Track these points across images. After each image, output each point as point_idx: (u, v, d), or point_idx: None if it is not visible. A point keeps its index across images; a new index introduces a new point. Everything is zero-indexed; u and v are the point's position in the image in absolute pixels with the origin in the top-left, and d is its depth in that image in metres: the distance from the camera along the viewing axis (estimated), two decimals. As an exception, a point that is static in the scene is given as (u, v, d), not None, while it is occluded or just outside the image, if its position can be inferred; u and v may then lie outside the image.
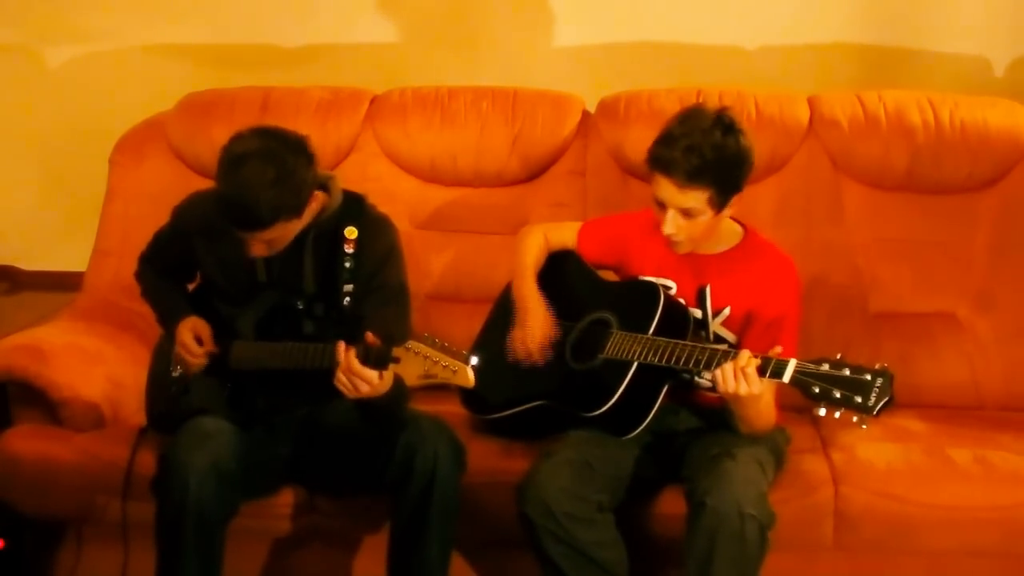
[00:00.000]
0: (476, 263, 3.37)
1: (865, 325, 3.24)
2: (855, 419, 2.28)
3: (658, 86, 3.44)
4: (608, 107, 3.41)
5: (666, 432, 2.73)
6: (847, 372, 2.30)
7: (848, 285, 3.25)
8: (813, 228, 3.26)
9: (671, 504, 2.70)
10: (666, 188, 2.56)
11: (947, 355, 3.21)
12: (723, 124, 2.55)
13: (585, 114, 3.45)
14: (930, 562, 2.83)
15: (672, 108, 3.28)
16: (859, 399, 2.27)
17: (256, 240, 2.56)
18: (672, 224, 2.59)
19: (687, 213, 2.58)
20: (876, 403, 2.26)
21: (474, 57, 4.06)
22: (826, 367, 2.32)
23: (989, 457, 2.84)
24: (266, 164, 2.46)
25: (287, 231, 2.57)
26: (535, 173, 3.41)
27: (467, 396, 2.84)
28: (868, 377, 2.28)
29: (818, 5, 3.91)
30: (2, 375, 2.96)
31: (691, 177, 2.52)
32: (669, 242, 2.66)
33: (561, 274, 2.90)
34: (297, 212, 2.55)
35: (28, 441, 2.95)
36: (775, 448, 2.69)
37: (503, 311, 2.95)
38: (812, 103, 3.34)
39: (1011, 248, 3.24)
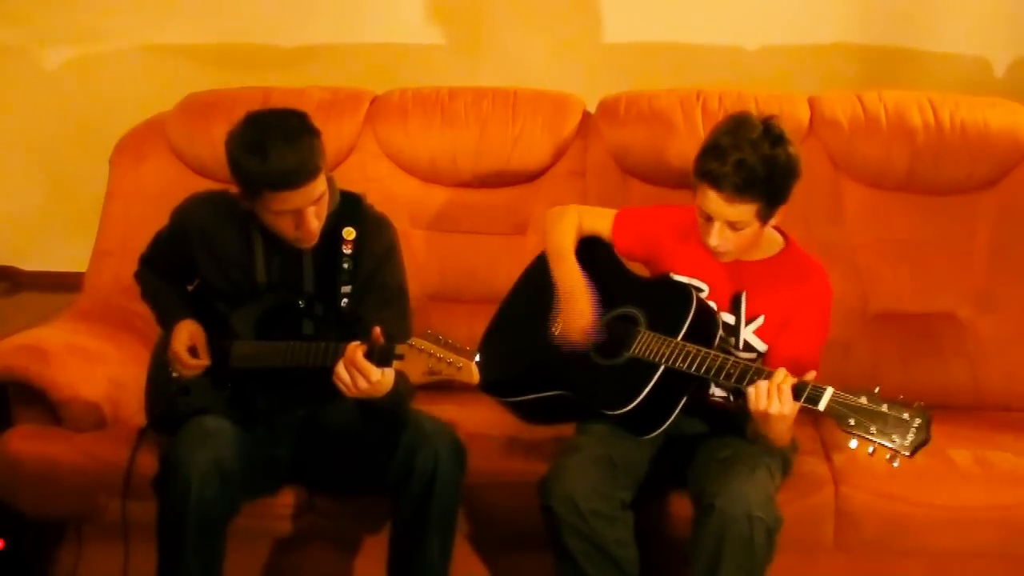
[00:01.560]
0: (477, 264, 3.37)
1: (865, 325, 3.24)
2: (888, 456, 2.26)
3: (658, 86, 3.44)
4: (608, 108, 3.41)
5: (677, 435, 2.71)
6: (885, 408, 2.26)
7: (848, 286, 3.24)
8: (813, 228, 3.25)
9: (679, 505, 2.70)
10: (714, 201, 2.52)
11: (947, 355, 3.21)
12: (772, 135, 2.52)
13: (585, 115, 3.44)
14: (930, 562, 2.83)
15: (672, 109, 3.31)
16: (896, 438, 2.23)
17: (309, 202, 2.54)
18: (718, 237, 2.56)
19: (734, 226, 2.55)
20: (913, 443, 2.23)
21: (474, 58, 4.06)
22: (864, 400, 2.28)
23: (989, 457, 2.84)
24: (283, 122, 2.52)
25: (325, 188, 2.57)
26: (535, 174, 3.41)
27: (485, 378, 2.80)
28: (906, 416, 2.25)
29: (818, 5, 3.91)
30: (3, 375, 2.96)
31: (741, 191, 2.49)
32: (713, 253, 2.63)
33: (590, 262, 2.84)
34: (324, 160, 2.56)
35: (29, 441, 2.96)
36: (783, 455, 2.68)
37: (530, 289, 2.91)
38: (812, 103, 3.35)
39: (1011, 248, 3.24)
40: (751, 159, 2.48)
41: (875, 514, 2.75)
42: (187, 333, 2.76)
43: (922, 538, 2.77)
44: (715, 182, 2.50)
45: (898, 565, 2.85)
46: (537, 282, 2.89)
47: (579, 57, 4.03)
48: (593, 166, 3.39)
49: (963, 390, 3.19)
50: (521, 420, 2.88)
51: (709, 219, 2.56)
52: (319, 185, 2.54)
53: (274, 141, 2.47)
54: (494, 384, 2.76)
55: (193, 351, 2.74)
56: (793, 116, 3.29)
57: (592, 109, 3.46)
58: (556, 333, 2.77)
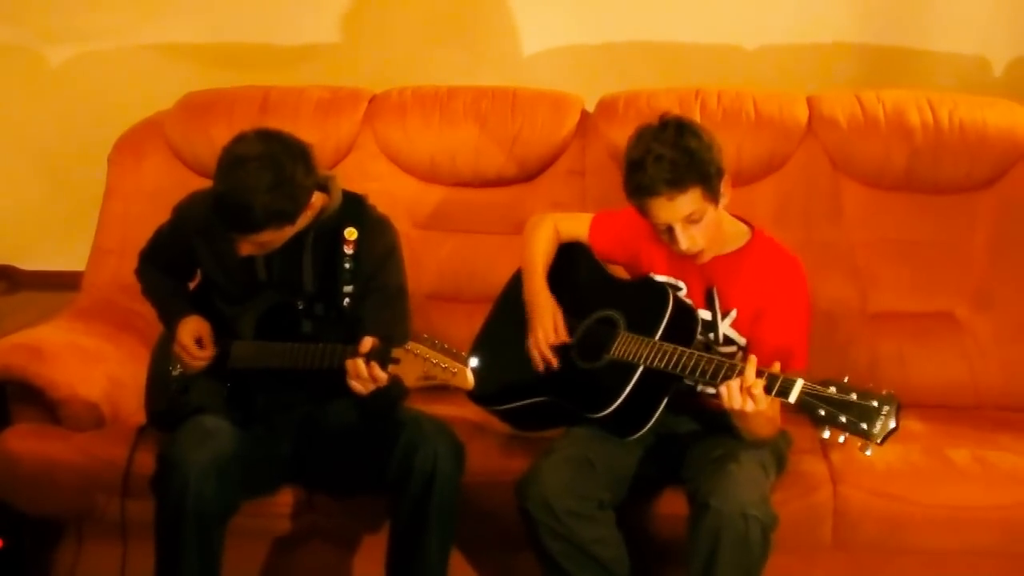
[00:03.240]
0: (475, 263, 3.37)
1: (864, 325, 3.24)
2: (859, 446, 2.26)
3: (657, 86, 3.44)
4: (607, 107, 3.41)
5: (668, 433, 2.73)
6: (854, 397, 2.27)
7: (847, 285, 3.25)
8: (812, 228, 3.26)
9: (672, 504, 2.70)
10: (660, 208, 2.53)
11: (946, 355, 3.21)
12: (673, 124, 2.54)
13: (584, 114, 3.44)
14: (929, 562, 2.83)
15: (671, 108, 3.27)
16: (864, 426, 2.24)
17: (246, 241, 2.56)
18: (685, 238, 2.56)
19: (690, 219, 2.55)
20: (881, 431, 2.24)
21: (473, 56, 4.07)
22: (833, 390, 2.29)
23: (988, 457, 2.84)
24: (264, 168, 2.47)
25: (279, 235, 2.57)
26: (534, 173, 3.41)
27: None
28: (875, 403, 2.25)
29: (817, 5, 3.91)
30: (1, 374, 2.96)
31: (674, 183, 2.49)
32: (690, 255, 2.62)
33: (570, 267, 2.88)
34: (291, 219, 2.55)
35: (27, 440, 2.95)
36: (776, 450, 2.69)
37: (510, 303, 2.93)
38: (811, 103, 3.34)
39: (1010, 248, 3.24)
40: (664, 152, 2.49)
41: (874, 513, 2.75)
42: (193, 326, 2.76)
43: (921, 538, 2.77)
44: (648, 190, 2.51)
45: (897, 564, 2.85)
46: (517, 294, 2.91)
47: (578, 56, 4.03)
48: (592, 165, 3.39)
49: (962, 389, 3.19)
50: (512, 427, 2.91)
51: (669, 228, 2.57)
52: (260, 237, 2.54)
53: (236, 182, 2.46)
54: (481, 394, 2.78)
55: (200, 343, 2.74)
56: (792, 115, 3.30)
57: (591, 108, 3.46)
58: (528, 349, 2.80)
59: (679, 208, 2.52)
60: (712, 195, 2.55)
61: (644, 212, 2.58)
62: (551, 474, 2.57)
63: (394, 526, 2.69)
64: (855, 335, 3.22)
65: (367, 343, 2.44)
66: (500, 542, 2.90)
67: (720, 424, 2.62)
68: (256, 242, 2.57)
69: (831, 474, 2.79)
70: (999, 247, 3.24)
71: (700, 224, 2.56)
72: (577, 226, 2.91)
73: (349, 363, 2.45)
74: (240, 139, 2.53)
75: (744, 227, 2.74)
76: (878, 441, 2.24)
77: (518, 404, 2.81)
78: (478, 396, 2.85)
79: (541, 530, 2.55)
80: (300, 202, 2.55)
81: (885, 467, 2.79)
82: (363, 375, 2.44)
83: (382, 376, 2.42)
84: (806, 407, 2.31)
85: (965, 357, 3.21)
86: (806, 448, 2.86)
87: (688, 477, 2.62)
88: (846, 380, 2.31)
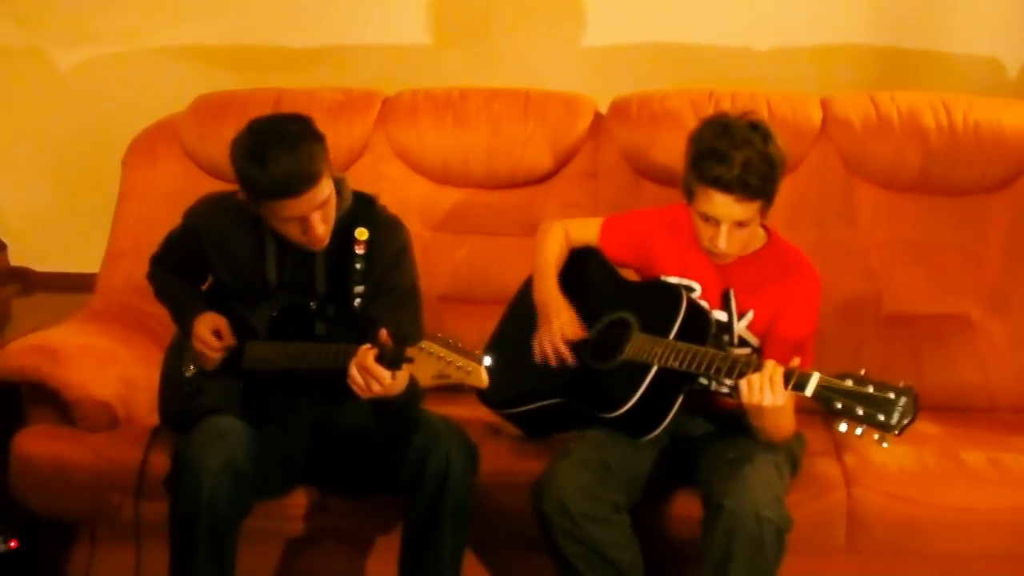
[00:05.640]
0: (488, 264, 3.37)
1: (878, 327, 3.24)
2: (876, 437, 2.25)
3: (670, 87, 3.44)
4: (620, 108, 3.41)
5: (682, 435, 2.72)
6: (871, 389, 2.26)
7: (861, 286, 3.24)
8: (826, 229, 3.25)
9: (685, 506, 2.70)
10: (723, 204, 2.53)
11: (960, 357, 3.21)
12: (760, 131, 2.55)
13: (597, 115, 3.44)
14: (943, 564, 2.82)
15: (684, 109, 3.30)
16: (882, 417, 2.23)
17: (313, 208, 2.53)
18: (726, 239, 2.57)
19: (741, 224, 2.57)
20: (899, 422, 2.23)
21: (486, 58, 4.06)
22: (850, 383, 2.29)
23: (1002, 459, 2.83)
24: (289, 122, 2.54)
25: (331, 192, 2.57)
26: (547, 174, 3.41)
27: (484, 391, 2.82)
28: (892, 395, 2.25)
29: (830, 6, 3.90)
30: (16, 375, 2.97)
31: (753, 192, 2.51)
32: (718, 255, 2.64)
33: (582, 272, 2.89)
34: (328, 164, 2.56)
35: (42, 441, 2.96)
36: (790, 452, 2.69)
37: (523, 307, 2.94)
38: (825, 104, 3.34)
39: (1024, 250, 3.23)
40: (755, 158, 2.50)
41: (887, 516, 2.74)
42: (210, 320, 2.76)
43: (934, 540, 2.76)
44: (726, 186, 2.51)
45: (910, 567, 2.84)
46: (529, 299, 2.91)
47: (590, 58, 4.03)
48: (605, 167, 3.39)
49: (976, 392, 3.19)
50: (524, 432, 2.91)
51: (716, 223, 2.57)
52: (322, 191, 2.54)
53: (273, 149, 2.47)
54: (494, 398, 2.80)
55: (218, 335, 2.75)
56: (805, 117, 3.30)
57: (604, 110, 3.46)
58: (536, 346, 2.80)
59: (740, 212, 2.54)
60: (766, 210, 2.59)
61: (699, 197, 2.58)
62: (568, 477, 2.57)
63: (407, 527, 2.68)
64: (869, 336, 3.22)
65: (382, 335, 2.44)
66: (513, 543, 2.90)
67: (734, 425, 2.62)
68: (320, 203, 2.54)
69: (845, 476, 2.79)
70: (1014, 249, 3.24)
71: (744, 230, 2.59)
72: (587, 231, 2.92)
73: (360, 351, 2.44)
74: (242, 135, 2.55)
75: (761, 230, 2.74)
76: (896, 432, 2.24)
77: (531, 407, 2.81)
78: (491, 401, 2.86)
79: (557, 532, 2.55)
80: (326, 144, 2.56)
81: (899, 469, 2.79)
82: (359, 383, 2.44)
83: (384, 375, 2.42)
84: (823, 400, 2.31)
85: (980, 359, 3.20)
86: (820, 450, 2.86)
87: (702, 479, 2.62)
88: (863, 372, 2.31)
